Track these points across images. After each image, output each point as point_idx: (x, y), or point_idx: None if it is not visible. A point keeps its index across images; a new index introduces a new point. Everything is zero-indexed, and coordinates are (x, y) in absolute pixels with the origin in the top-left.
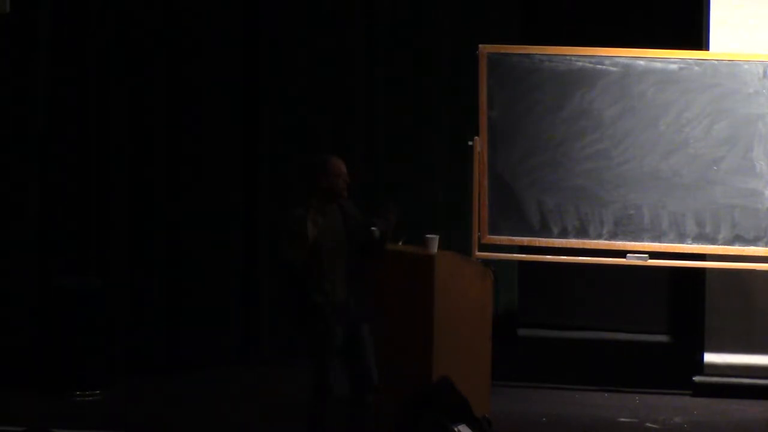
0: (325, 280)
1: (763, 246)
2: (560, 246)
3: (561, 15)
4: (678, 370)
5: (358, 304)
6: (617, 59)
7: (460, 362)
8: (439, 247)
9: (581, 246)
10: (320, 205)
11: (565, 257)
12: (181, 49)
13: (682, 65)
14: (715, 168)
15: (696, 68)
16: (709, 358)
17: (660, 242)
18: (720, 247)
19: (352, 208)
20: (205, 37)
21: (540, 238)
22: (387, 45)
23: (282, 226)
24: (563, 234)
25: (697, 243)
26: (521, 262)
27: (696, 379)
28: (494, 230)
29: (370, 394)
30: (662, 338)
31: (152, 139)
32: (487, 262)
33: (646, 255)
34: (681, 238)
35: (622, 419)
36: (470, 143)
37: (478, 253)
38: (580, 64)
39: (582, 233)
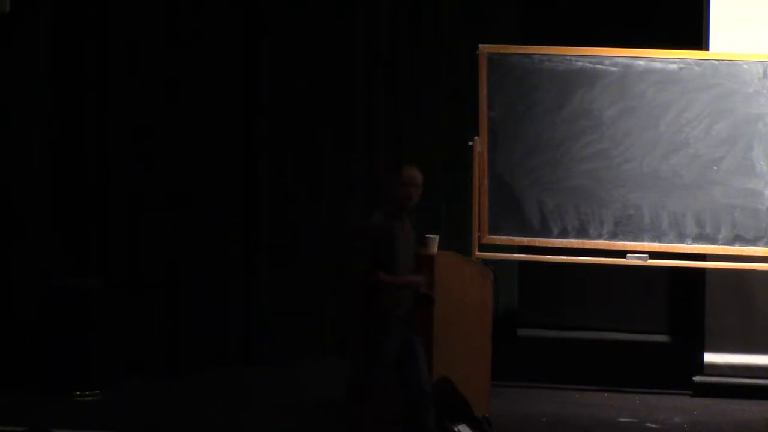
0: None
1: (763, 246)
2: (560, 246)
3: (561, 15)
4: (678, 370)
5: (411, 315)
6: (617, 59)
7: (460, 362)
8: (439, 247)
9: (581, 246)
10: (393, 212)
11: (565, 257)
12: (182, 49)
13: (682, 65)
14: (715, 168)
15: (696, 68)
16: (709, 358)
17: (660, 242)
18: (720, 247)
19: (411, 222)
20: (206, 35)
21: (540, 238)
22: (387, 45)
23: (363, 233)
24: (563, 234)
25: (697, 243)
26: (521, 262)
27: (696, 379)
28: (494, 230)
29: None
30: (662, 338)
31: (152, 139)
32: (487, 262)
33: (646, 255)
34: (681, 238)
35: (622, 419)
36: (470, 143)
37: (478, 253)
38: (580, 64)
39: (582, 233)
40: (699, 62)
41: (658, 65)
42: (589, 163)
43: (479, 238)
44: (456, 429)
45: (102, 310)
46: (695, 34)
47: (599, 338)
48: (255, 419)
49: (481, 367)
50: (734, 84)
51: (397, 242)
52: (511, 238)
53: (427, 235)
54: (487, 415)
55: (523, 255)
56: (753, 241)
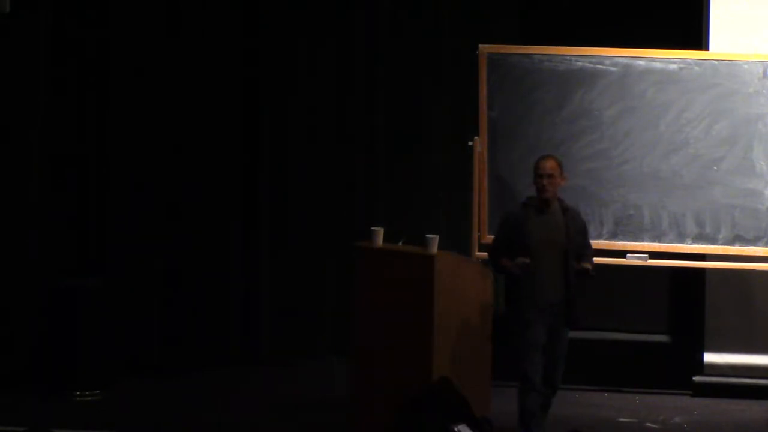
0: (534, 279)
1: (763, 246)
2: None
3: (561, 15)
4: (678, 370)
5: (564, 309)
6: (617, 59)
7: (460, 362)
8: (439, 247)
9: None
10: (536, 205)
11: None
12: (182, 49)
13: (682, 65)
14: (715, 168)
15: (696, 68)
16: (709, 358)
17: (660, 242)
18: (720, 247)
19: (577, 218)
20: (206, 35)
21: None
22: (387, 45)
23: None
24: None
25: (697, 243)
26: None
27: (696, 379)
28: (494, 230)
29: (551, 394)
30: (662, 338)
31: (152, 139)
32: (487, 262)
33: (646, 255)
34: (681, 238)
35: (622, 419)
36: (470, 143)
37: (478, 253)
38: (580, 64)
39: None
40: (699, 62)
41: (658, 65)
42: (589, 163)
43: (479, 238)
44: (456, 429)
45: (102, 310)
46: (695, 34)
47: (599, 338)
48: (255, 419)
49: (482, 367)
50: (734, 84)
51: (530, 232)
52: None
53: (427, 235)
54: (487, 415)
55: None
56: (753, 241)
